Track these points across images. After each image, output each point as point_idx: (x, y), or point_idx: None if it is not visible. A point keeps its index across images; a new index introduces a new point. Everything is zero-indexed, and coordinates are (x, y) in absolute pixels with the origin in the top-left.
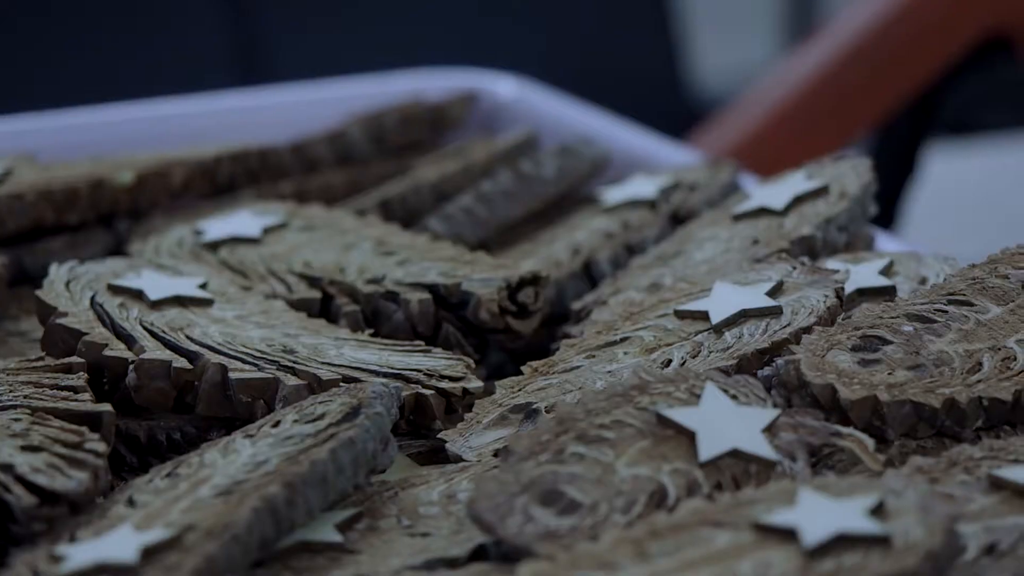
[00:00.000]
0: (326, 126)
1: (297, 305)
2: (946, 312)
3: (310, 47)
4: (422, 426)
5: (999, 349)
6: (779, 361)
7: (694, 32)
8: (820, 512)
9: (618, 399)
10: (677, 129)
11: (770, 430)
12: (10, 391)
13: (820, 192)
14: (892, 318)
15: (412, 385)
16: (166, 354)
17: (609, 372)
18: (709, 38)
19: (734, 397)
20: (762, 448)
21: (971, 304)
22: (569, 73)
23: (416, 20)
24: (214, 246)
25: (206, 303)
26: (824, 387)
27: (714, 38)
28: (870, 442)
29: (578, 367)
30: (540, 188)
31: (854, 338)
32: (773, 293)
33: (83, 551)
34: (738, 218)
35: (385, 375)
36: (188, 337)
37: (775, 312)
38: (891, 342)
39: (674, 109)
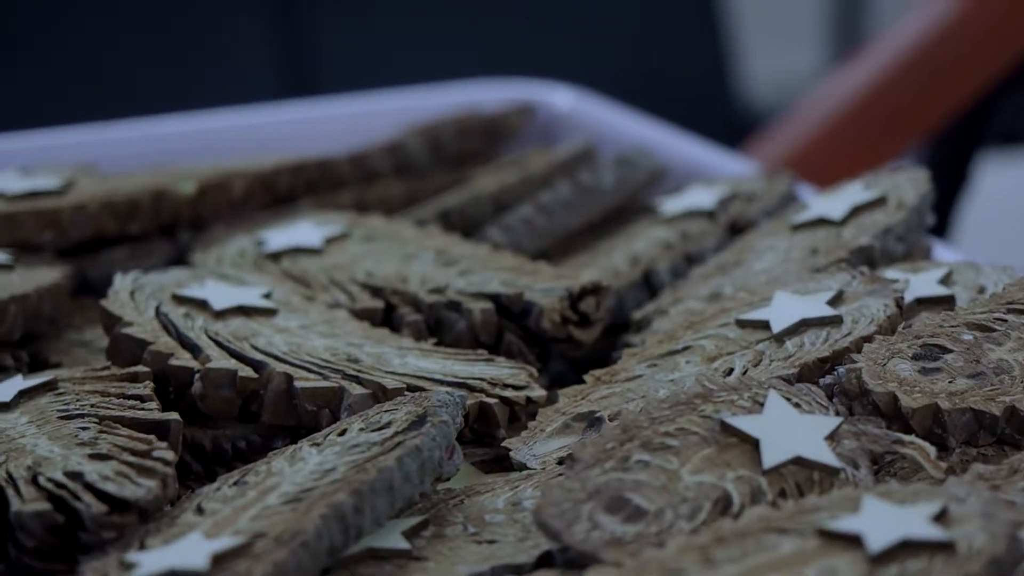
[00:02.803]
0: (384, 137)
1: (360, 315)
2: (1005, 321)
3: (364, 59)
4: (486, 434)
5: None
6: (840, 370)
7: (743, 43)
8: (884, 519)
9: (682, 407)
10: (726, 140)
11: (833, 438)
12: (77, 400)
13: (878, 202)
14: (952, 327)
15: (476, 394)
16: (232, 363)
17: (671, 381)
18: (758, 49)
19: (797, 405)
20: (825, 456)
21: None
22: (619, 85)
23: (472, 32)
24: (276, 256)
25: (270, 313)
26: (886, 395)
27: (763, 49)
28: (932, 450)
29: (640, 376)
30: (599, 198)
31: (915, 347)
32: (833, 302)
33: (153, 558)
34: (796, 228)
35: (449, 384)
36: (253, 346)
37: (835, 321)
38: (951, 351)
39: (724, 120)
